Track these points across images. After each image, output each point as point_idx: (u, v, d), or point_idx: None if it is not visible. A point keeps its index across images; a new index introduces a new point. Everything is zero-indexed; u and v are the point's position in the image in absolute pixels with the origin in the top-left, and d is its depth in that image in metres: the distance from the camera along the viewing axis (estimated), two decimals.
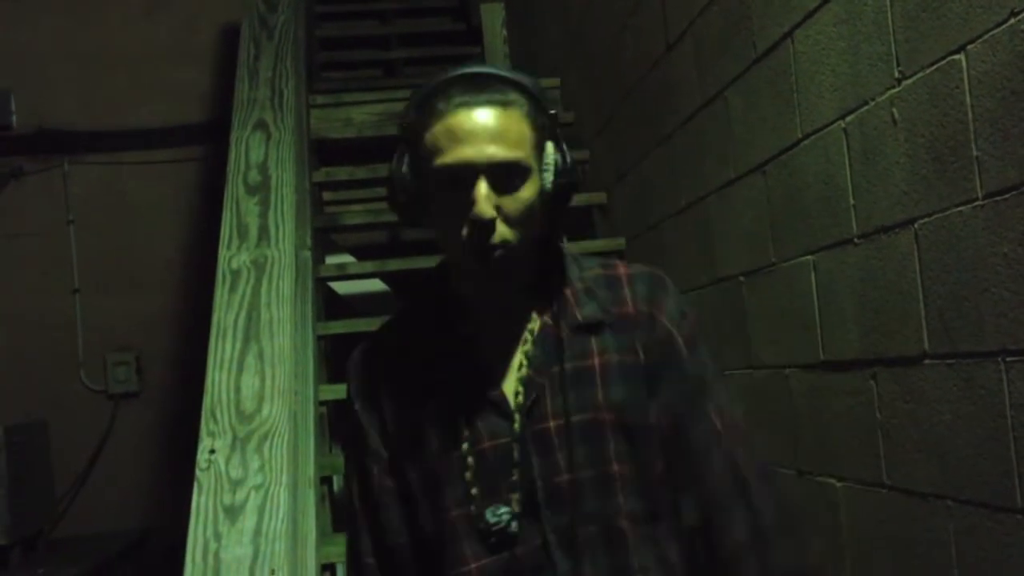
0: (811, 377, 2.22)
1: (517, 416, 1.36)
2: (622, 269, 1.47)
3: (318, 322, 3.55)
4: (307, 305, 3.19)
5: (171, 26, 5.52)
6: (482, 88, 1.33)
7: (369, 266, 4.17)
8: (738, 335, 2.60)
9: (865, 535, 2.04)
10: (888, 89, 1.83)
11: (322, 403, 3.35)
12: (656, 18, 3.05)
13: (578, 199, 3.93)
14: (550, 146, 1.38)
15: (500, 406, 1.37)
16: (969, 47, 1.60)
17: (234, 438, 2.34)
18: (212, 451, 2.30)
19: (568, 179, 1.39)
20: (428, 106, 1.35)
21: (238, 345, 2.57)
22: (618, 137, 3.62)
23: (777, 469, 2.42)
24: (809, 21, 2.10)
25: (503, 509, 1.33)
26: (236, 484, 2.24)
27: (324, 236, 4.28)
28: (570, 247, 1.56)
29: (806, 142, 2.16)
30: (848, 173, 1.99)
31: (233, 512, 2.18)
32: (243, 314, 2.65)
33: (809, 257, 2.18)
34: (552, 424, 1.35)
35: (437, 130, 1.33)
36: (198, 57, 5.49)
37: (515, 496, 1.34)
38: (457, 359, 1.40)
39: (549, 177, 1.37)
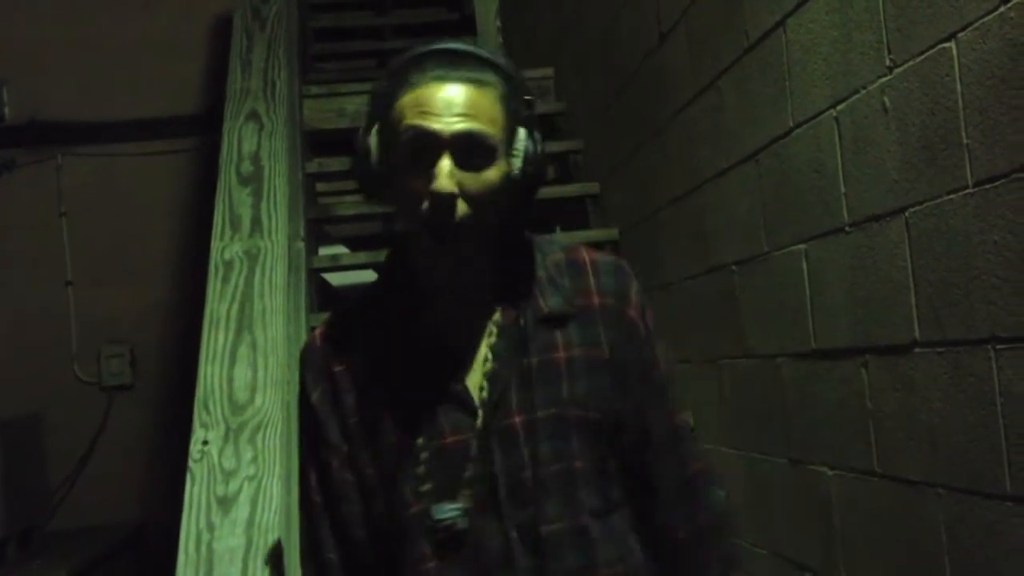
0: (803, 365, 2.22)
1: (480, 411, 1.33)
2: (584, 254, 1.44)
3: (311, 313, 3.55)
4: (300, 296, 3.19)
5: (165, 17, 5.50)
6: (457, 65, 1.31)
7: (363, 257, 4.17)
8: (731, 324, 2.60)
9: (856, 523, 2.05)
10: (879, 77, 1.83)
11: None
12: (649, 8, 3.04)
13: (571, 189, 3.94)
14: (522, 132, 1.35)
15: (463, 400, 1.34)
16: (960, 35, 1.60)
17: (227, 429, 2.33)
18: (205, 442, 2.30)
19: (536, 168, 1.36)
20: (401, 76, 1.32)
21: (231, 336, 2.57)
22: (611, 127, 3.61)
23: (769, 457, 2.43)
24: (801, 10, 2.10)
25: (450, 506, 1.30)
26: (229, 475, 2.24)
27: (317, 227, 4.28)
28: (562, 236, 1.55)
29: (798, 131, 2.16)
30: (839, 162, 1.99)
31: (226, 503, 2.18)
32: (236, 305, 2.65)
33: (801, 246, 2.18)
34: (517, 420, 1.32)
35: (407, 100, 1.30)
36: (192, 48, 5.47)
37: (467, 492, 1.31)
38: (419, 350, 1.36)
39: (517, 163, 1.34)
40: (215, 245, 2.84)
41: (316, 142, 4.55)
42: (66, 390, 5.18)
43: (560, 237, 1.50)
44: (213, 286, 2.72)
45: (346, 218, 4.44)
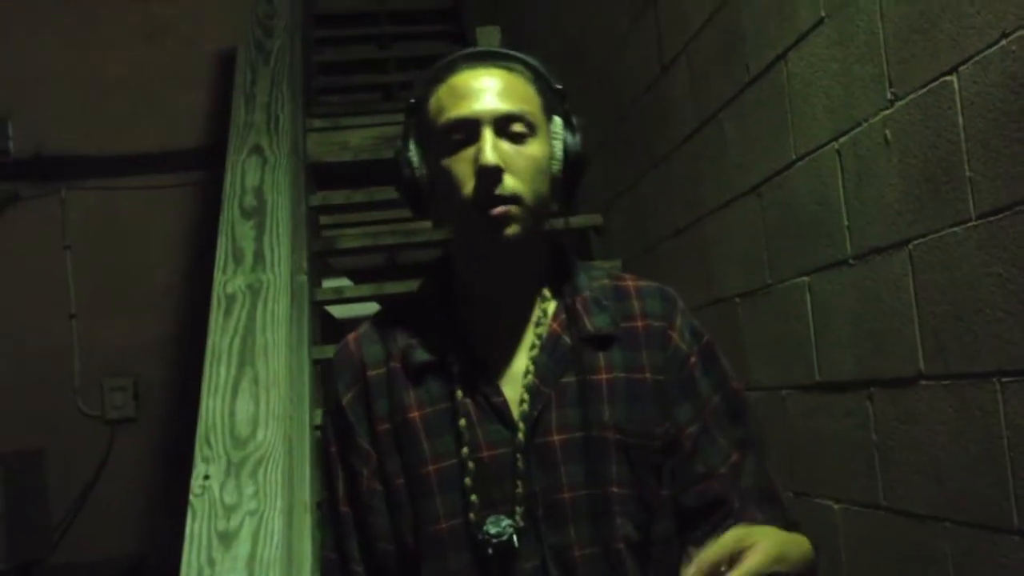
0: (807, 398, 2.21)
1: (522, 425, 1.29)
2: (630, 281, 1.43)
3: (314, 346, 3.55)
4: (303, 329, 3.19)
5: (169, 52, 5.53)
6: (486, 58, 1.35)
7: (366, 290, 4.17)
8: (735, 356, 2.59)
9: (863, 557, 2.03)
10: (881, 110, 1.83)
11: (318, 427, 3.33)
12: (651, 40, 3.06)
13: (573, 221, 3.94)
14: (558, 120, 1.37)
15: (503, 413, 1.30)
16: (961, 68, 1.60)
17: (228, 463, 2.32)
18: (206, 476, 2.29)
19: (577, 157, 1.36)
20: (433, 79, 1.35)
21: (233, 370, 2.56)
22: (613, 158, 3.62)
23: None
24: (802, 43, 2.11)
25: (506, 521, 1.26)
26: (230, 510, 2.22)
27: (321, 260, 4.28)
28: (604, 263, 1.53)
29: (800, 163, 2.16)
30: (842, 194, 1.99)
31: (227, 538, 2.17)
32: (238, 338, 2.64)
33: (804, 278, 2.18)
34: (556, 438, 1.29)
35: (441, 92, 1.33)
36: (196, 82, 5.50)
37: (519, 509, 1.27)
38: (457, 359, 1.33)
39: (559, 146, 1.35)
40: (218, 278, 2.84)
41: (320, 175, 4.56)
42: (69, 423, 5.17)
43: (607, 268, 1.48)
44: (215, 319, 2.71)
45: (349, 251, 4.44)
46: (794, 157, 2.18)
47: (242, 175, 3.24)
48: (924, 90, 1.70)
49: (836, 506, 2.12)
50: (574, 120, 1.39)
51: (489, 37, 5.30)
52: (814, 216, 2.12)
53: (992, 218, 1.55)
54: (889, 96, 1.81)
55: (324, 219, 4.72)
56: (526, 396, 1.30)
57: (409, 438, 1.32)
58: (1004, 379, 1.55)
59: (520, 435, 1.29)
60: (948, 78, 1.63)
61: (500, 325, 1.36)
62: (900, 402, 1.84)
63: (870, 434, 1.95)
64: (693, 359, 1.38)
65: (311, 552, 2.73)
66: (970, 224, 1.60)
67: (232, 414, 2.44)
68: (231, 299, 2.76)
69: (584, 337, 1.34)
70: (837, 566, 2.12)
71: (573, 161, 1.36)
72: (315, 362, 3.52)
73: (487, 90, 1.31)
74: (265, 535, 2.17)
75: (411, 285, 4.02)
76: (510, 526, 1.26)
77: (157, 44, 5.55)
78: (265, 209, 3.08)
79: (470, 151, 1.29)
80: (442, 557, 1.28)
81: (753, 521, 1.28)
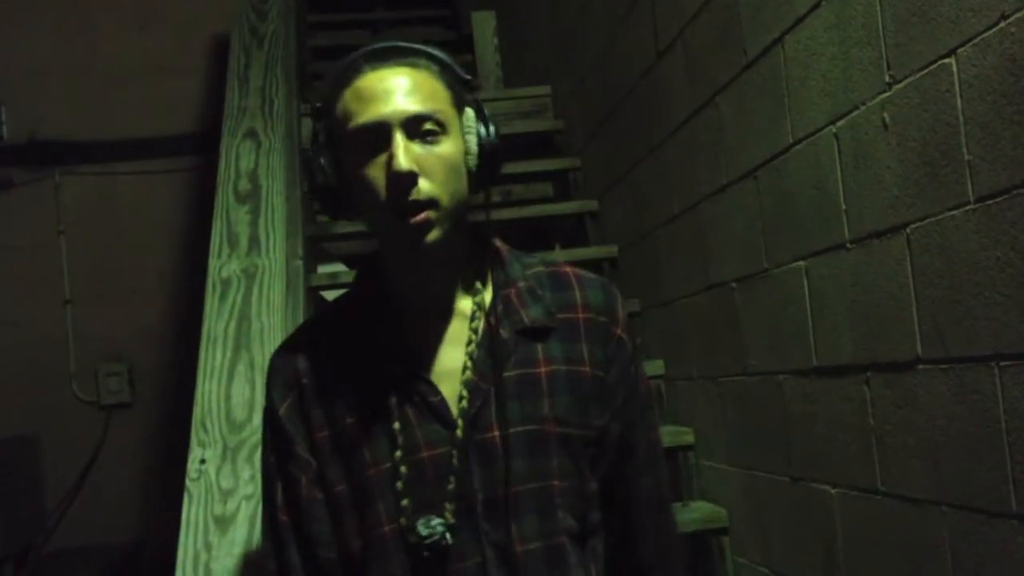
0: (804, 383, 2.21)
1: (460, 423, 1.28)
2: (568, 269, 1.42)
3: None
4: (298, 314, 3.17)
5: (162, 37, 5.52)
6: (387, 57, 1.31)
7: None
8: (731, 342, 2.59)
9: (860, 542, 2.03)
10: (879, 94, 1.83)
11: None
12: (647, 25, 3.05)
13: (570, 207, 3.94)
14: (470, 112, 1.34)
15: (440, 412, 1.29)
16: (959, 51, 1.59)
17: (225, 447, 2.32)
18: (202, 461, 2.28)
19: (492, 149, 1.33)
20: (337, 83, 1.32)
21: (228, 354, 2.55)
22: (610, 145, 3.61)
23: (770, 475, 2.41)
24: (799, 26, 2.10)
25: (436, 520, 1.25)
26: (227, 494, 2.22)
27: (316, 245, 4.27)
28: (559, 254, 1.53)
29: (797, 147, 2.15)
30: (839, 178, 1.99)
31: (224, 522, 2.17)
32: (233, 323, 2.63)
33: (801, 263, 2.18)
34: (497, 434, 1.28)
35: (347, 96, 1.30)
36: (190, 67, 5.49)
37: (449, 507, 1.26)
38: (392, 360, 1.32)
39: (472, 140, 1.33)
40: (212, 263, 2.83)
41: None
42: (64, 409, 5.17)
43: (540, 255, 1.47)
44: (210, 304, 2.70)
45: (345, 236, 4.42)
46: (791, 141, 2.18)
47: (236, 159, 3.22)
48: (922, 73, 1.69)
49: (833, 491, 2.12)
50: (485, 112, 1.36)
51: (484, 22, 5.29)
52: (811, 200, 2.11)
53: (990, 201, 1.55)
54: (887, 79, 1.80)
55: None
56: (465, 392, 1.29)
57: (348, 443, 1.31)
58: (1002, 363, 1.55)
59: (459, 432, 1.28)
60: (947, 61, 1.63)
61: (433, 323, 1.35)
62: (897, 386, 1.84)
63: (867, 419, 1.95)
64: (632, 352, 1.41)
65: None
66: (968, 207, 1.60)
67: (228, 398, 2.44)
68: (226, 283, 2.75)
69: (520, 330, 1.33)
70: (834, 551, 2.12)
71: (488, 153, 1.34)
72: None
73: (394, 91, 1.28)
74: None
75: None
76: (440, 524, 1.25)
77: (151, 29, 5.53)
78: (260, 193, 3.07)
79: (382, 157, 1.27)
80: (387, 560, 1.28)
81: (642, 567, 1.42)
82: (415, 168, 1.25)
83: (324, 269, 4.38)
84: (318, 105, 1.35)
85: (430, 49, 1.35)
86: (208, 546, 2.13)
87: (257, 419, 2.39)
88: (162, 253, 5.33)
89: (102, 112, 5.40)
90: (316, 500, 1.32)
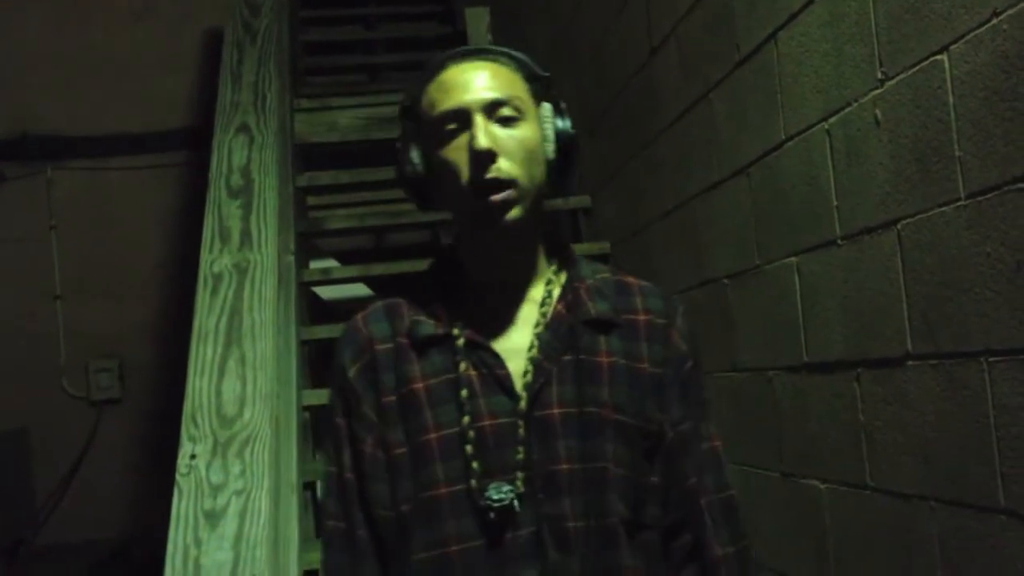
0: (795, 379, 2.21)
1: (524, 395, 1.33)
2: (631, 279, 1.48)
3: (301, 327, 3.54)
4: (290, 309, 3.17)
5: (155, 31, 5.51)
6: (471, 55, 1.41)
7: (353, 271, 4.16)
8: (723, 337, 2.59)
9: (849, 537, 2.04)
10: (871, 90, 1.83)
11: (306, 408, 3.33)
12: (640, 22, 3.05)
13: (562, 203, 3.93)
14: (547, 106, 1.41)
15: (506, 384, 1.34)
16: (952, 47, 1.60)
17: (215, 442, 2.32)
18: (193, 456, 2.28)
19: (569, 136, 1.41)
20: (423, 79, 1.41)
21: (219, 349, 2.55)
22: (603, 141, 3.61)
23: (761, 471, 2.42)
24: (792, 23, 2.10)
25: (507, 487, 1.29)
26: (217, 489, 2.22)
27: (308, 241, 4.26)
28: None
29: (790, 144, 2.16)
30: (831, 174, 1.99)
31: (214, 517, 2.17)
32: (224, 318, 2.63)
33: (793, 259, 2.18)
34: (556, 412, 1.33)
35: (431, 89, 1.39)
36: (183, 63, 5.48)
37: (520, 475, 1.30)
38: (462, 332, 1.37)
39: (550, 129, 1.40)
40: (204, 258, 2.83)
41: (307, 156, 4.54)
42: (54, 404, 5.16)
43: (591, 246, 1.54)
44: (202, 299, 2.70)
45: (337, 232, 4.43)
46: (784, 137, 2.18)
47: (229, 154, 3.22)
48: (915, 69, 1.69)
49: (823, 486, 2.12)
50: (562, 105, 1.43)
51: (478, 18, 5.28)
52: (803, 197, 2.11)
53: (981, 198, 1.55)
54: (879, 76, 1.80)
55: (311, 200, 4.71)
56: (529, 368, 1.34)
57: (413, 408, 1.35)
58: (992, 359, 1.55)
59: (522, 404, 1.32)
60: (939, 57, 1.63)
61: (504, 305, 1.41)
62: (888, 382, 1.85)
63: (857, 414, 1.96)
64: (690, 364, 1.44)
65: (298, 531, 2.73)
66: (959, 204, 1.60)
67: (219, 393, 2.43)
68: (218, 278, 2.75)
69: (586, 320, 1.38)
70: (824, 546, 2.13)
71: (565, 144, 1.41)
72: (303, 343, 3.51)
73: (475, 80, 1.36)
74: (252, 514, 2.17)
75: (398, 267, 4.01)
76: (511, 491, 1.29)
77: (144, 24, 5.52)
78: (252, 188, 3.07)
79: (463, 139, 1.34)
80: (439, 521, 1.31)
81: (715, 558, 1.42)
82: (494, 147, 1.32)
83: (316, 265, 4.38)
84: (405, 103, 1.43)
85: (510, 50, 1.43)
86: (198, 541, 2.13)
87: (247, 414, 2.39)
88: (153, 248, 5.32)
89: (94, 107, 5.39)
90: (378, 460, 1.37)
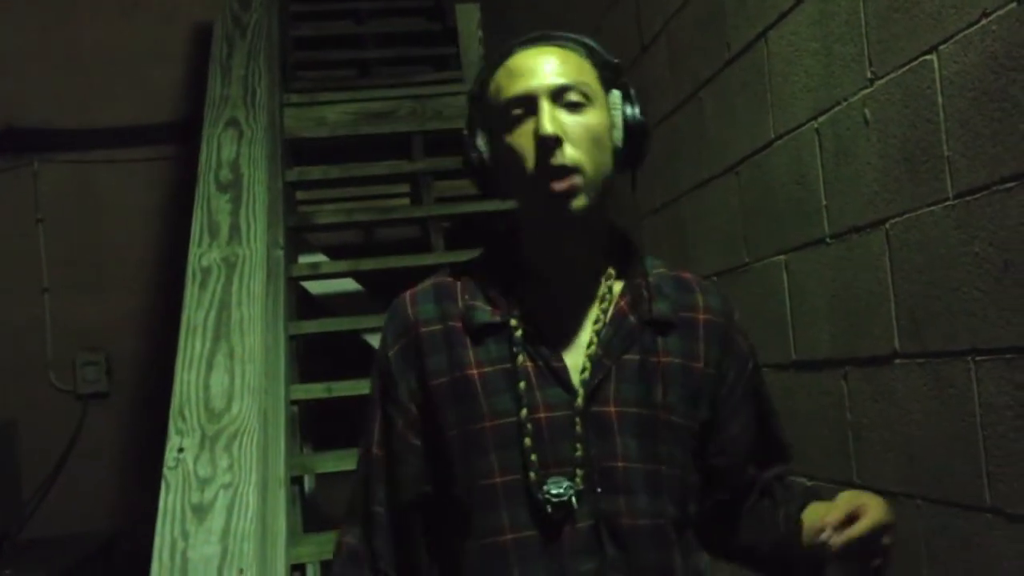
0: (783, 377, 2.22)
1: (581, 391, 1.31)
2: (689, 275, 1.47)
3: (290, 321, 3.53)
4: (278, 304, 3.17)
5: (144, 24, 5.48)
6: (538, 41, 1.38)
7: (342, 266, 4.15)
8: None
9: None
10: (861, 89, 1.84)
11: (294, 402, 3.32)
12: (630, 19, 3.05)
13: None
14: (616, 93, 1.39)
15: (561, 377, 1.32)
16: (941, 47, 1.60)
17: (203, 436, 2.32)
18: (180, 449, 2.28)
19: (639, 124, 1.38)
20: (491, 66, 1.39)
21: (207, 343, 2.55)
22: None
23: None
24: (783, 22, 2.10)
25: (566, 483, 1.28)
26: (204, 483, 2.22)
27: (297, 235, 4.26)
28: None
29: (779, 142, 2.16)
30: (820, 173, 2.00)
31: (201, 511, 2.16)
32: (213, 312, 2.63)
33: (781, 257, 2.19)
34: (614, 410, 1.32)
35: (499, 75, 1.36)
36: (171, 56, 5.45)
37: (580, 472, 1.29)
38: (519, 322, 1.35)
39: (618, 116, 1.37)
40: (193, 252, 2.83)
41: (296, 150, 4.53)
42: (41, 398, 5.13)
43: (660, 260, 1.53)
44: (190, 293, 2.70)
45: (326, 226, 4.42)
46: (773, 136, 2.19)
47: (218, 148, 3.21)
48: (904, 69, 1.70)
49: (809, 483, 2.13)
50: (632, 93, 1.40)
51: (468, 15, 5.28)
52: (792, 195, 2.12)
53: (969, 197, 1.56)
54: (869, 75, 1.81)
55: (300, 195, 4.71)
56: (587, 364, 1.32)
57: (468, 394, 1.33)
58: (978, 357, 1.56)
59: (579, 400, 1.31)
60: (928, 57, 1.64)
61: (563, 296, 1.38)
62: (875, 380, 1.85)
63: (845, 412, 1.97)
64: (752, 363, 1.46)
65: (285, 526, 2.73)
66: (947, 203, 1.61)
67: (207, 387, 2.43)
68: (206, 272, 2.74)
69: (645, 320, 1.36)
70: None
71: (634, 132, 1.38)
72: (291, 338, 3.50)
73: (542, 66, 1.33)
74: (239, 508, 2.17)
75: (387, 262, 4.02)
76: (571, 487, 1.28)
77: (133, 16, 5.49)
78: (241, 183, 3.06)
79: (529, 125, 1.31)
80: (494, 511, 1.30)
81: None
82: (560, 133, 1.29)
83: (305, 259, 4.37)
84: (474, 90, 1.41)
85: (579, 36, 1.41)
86: (185, 534, 2.12)
87: (235, 408, 2.39)
88: (141, 242, 5.30)
89: (82, 100, 5.36)
90: (408, 444, 1.37)
